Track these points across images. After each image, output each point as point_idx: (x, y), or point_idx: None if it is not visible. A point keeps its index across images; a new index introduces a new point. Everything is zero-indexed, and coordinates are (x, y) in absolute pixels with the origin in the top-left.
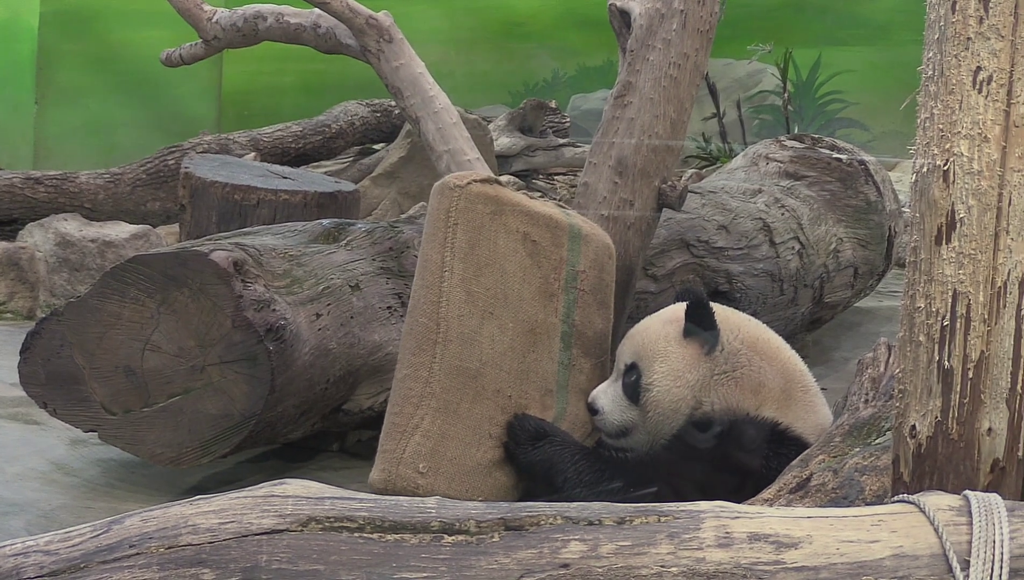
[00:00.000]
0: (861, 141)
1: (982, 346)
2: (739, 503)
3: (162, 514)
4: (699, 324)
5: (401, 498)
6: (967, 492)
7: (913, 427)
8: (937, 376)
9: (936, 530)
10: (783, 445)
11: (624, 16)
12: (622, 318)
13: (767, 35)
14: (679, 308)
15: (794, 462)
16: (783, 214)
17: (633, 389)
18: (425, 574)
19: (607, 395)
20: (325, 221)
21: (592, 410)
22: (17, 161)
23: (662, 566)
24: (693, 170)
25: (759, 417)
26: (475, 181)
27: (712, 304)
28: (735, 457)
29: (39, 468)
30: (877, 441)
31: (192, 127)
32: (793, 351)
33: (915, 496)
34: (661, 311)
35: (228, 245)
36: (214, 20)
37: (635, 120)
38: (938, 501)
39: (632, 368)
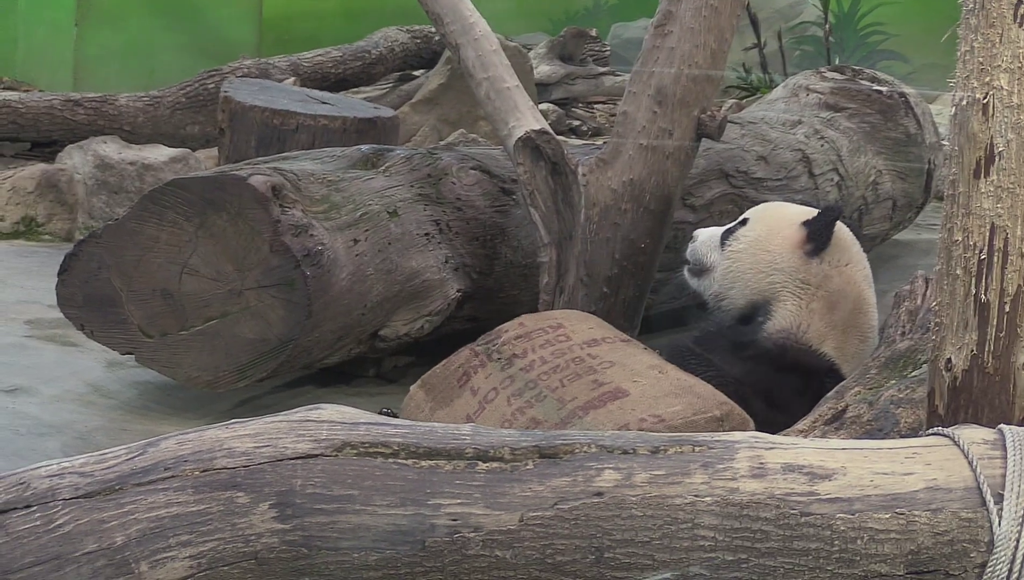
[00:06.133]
0: (902, 73)
1: (1019, 280)
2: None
3: (197, 437)
4: (819, 228)
5: (436, 424)
6: (1002, 426)
7: (949, 360)
8: (974, 309)
9: (970, 463)
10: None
11: None
12: (659, 248)
13: None
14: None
15: (830, 394)
16: (822, 145)
17: (728, 234)
18: (459, 500)
19: (708, 231)
20: (364, 147)
21: (691, 237)
22: (56, 83)
23: (696, 496)
24: (733, 100)
25: (820, 352)
26: None
27: (845, 230)
28: (792, 383)
29: (76, 390)
30: (913, 374)
31: (232, 51)
32: (875, 307)
33: (950, 429)
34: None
35: (267, 170)
36: None
37: (675, 49)
38: (972, 434)
39: (743, 221)
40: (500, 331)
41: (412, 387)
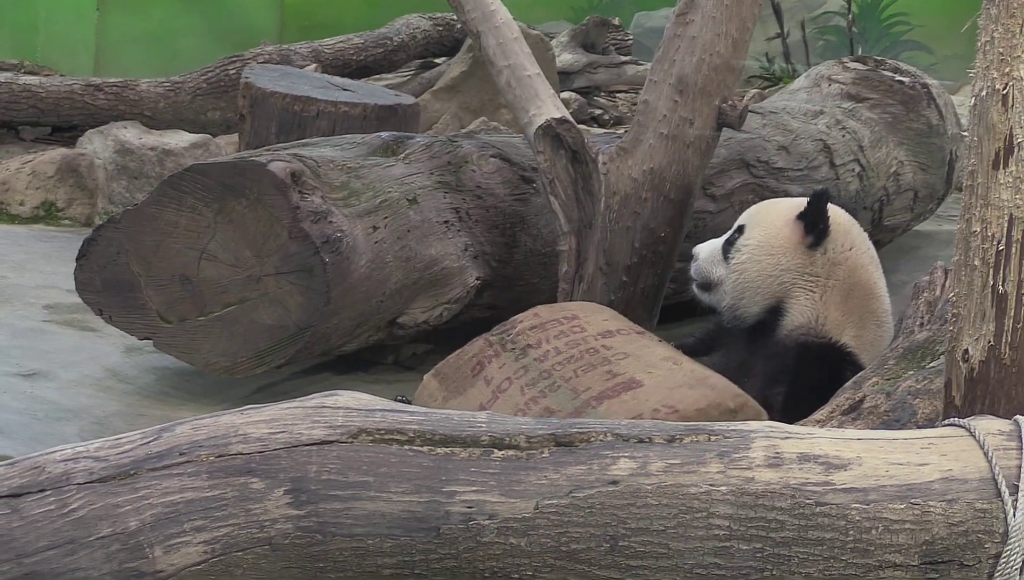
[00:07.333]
0: (925, 64)
1: None
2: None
3: (213, 423)
4: (813, 218)
5: (452, 411)
6: (1018, 417)
7: (966, 351)
8: (991, 300)
9: (986, 454)
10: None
11: None
12: (680, 237)
13: None
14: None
15: (847, 384)
16: (844, 136)
17: (729, 245)
18: (474, 488)
19: (708, 247)
20: (384, 134)
21: (692, 256)
22: (78, 68)
23: (711, 485)
24: (755, 90)
25: (840, 343)
26: None
27: (841, 212)
28: (815, 381)
29: (94, 375)
30: (931, 364)
31: (253, 37)
32: (886, 290)
33: (966, 420)
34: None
35: (286, 156)
36: None
37: (697, 38)
38: (989, 425)
39: (739, 229)
40: (515, 321)
41: (425, 376)
